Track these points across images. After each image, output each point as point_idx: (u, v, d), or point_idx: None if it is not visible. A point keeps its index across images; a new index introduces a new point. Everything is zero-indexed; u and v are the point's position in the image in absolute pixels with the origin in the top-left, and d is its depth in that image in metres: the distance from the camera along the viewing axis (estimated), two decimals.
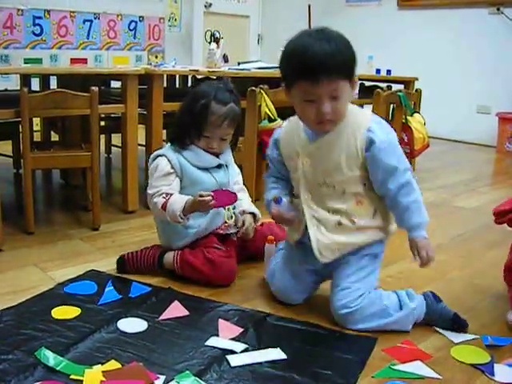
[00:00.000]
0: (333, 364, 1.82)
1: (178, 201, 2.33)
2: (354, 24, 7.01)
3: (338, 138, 2.01)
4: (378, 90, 4.26)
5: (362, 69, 4.70)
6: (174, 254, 2.48)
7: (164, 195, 2.36)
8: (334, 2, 7.88)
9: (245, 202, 2.64)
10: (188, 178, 2.48)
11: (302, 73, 1.90)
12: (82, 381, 1.67)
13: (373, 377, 1.78)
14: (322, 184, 2.07)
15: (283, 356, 1.86)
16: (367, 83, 5.13)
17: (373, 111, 3.83)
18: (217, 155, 2.55)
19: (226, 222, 2.55)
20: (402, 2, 7.30)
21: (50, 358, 1.77)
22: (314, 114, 1.93)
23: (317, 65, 1.86)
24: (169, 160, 2.46)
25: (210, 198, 2.26)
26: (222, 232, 2.54)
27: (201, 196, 2.26)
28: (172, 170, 2.45)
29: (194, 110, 2.44)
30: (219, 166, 2.57)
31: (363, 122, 2.02)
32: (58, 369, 1.72)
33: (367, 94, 4.62)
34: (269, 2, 8.68)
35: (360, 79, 4.85)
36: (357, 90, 3.77)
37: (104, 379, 1.68)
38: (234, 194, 2.39)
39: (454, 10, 6.90)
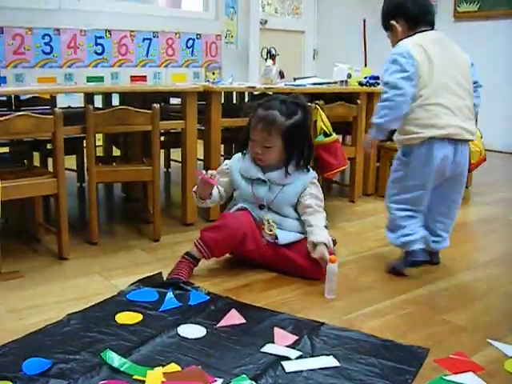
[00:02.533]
0: (385, 373, 1.87)
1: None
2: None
3: None
4: None
5: None
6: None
7: None
8: None
9: (316, 229, 2.67)
10: (234, 182, 2.82)
11: None
12: (144, 381, 1.77)
13: None
14: None
15: (336, 363, 1.91)
16: None
17: None
18: (271, 169, 2.71)
19: (263, 235, 2.70)
20: (458, 14, 7.28)
21: (114, 359, 1.88)
22: None
23: None
24: (227, 163, 2.86)
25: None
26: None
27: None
28: (227, 171, 2.84)
29: (250, 118, 2.76)
30: (264, 181, 2.70)
31: None
32: (121, 369, 1.83)
33: None
34: (324, 16, 8.70)
35: None
36: None
37: (164, 380, 1.77)
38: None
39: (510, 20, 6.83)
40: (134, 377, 1.79)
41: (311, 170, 2.83)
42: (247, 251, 2.71)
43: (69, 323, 2.16)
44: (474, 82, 2.78)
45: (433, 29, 2.78)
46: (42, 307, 2.35)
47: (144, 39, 7.18)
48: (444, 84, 2.62)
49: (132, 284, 2.54)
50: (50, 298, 2.45)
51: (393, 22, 2.81)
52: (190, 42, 7.56)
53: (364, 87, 4.29)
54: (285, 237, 2.70)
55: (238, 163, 2.83)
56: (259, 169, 2.74)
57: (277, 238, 2.70)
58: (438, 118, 2.59)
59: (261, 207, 2.74)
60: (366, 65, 6.26)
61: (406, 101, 2.60)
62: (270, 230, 2.69)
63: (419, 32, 2.73)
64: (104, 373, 1.81)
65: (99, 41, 6.85)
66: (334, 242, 2.91)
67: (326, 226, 2.71)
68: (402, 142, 2.73)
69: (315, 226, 2.67)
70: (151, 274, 2.65)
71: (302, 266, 2.67)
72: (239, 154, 2.86)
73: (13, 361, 1.88)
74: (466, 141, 2.68)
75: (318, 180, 2.86)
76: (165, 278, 2.61)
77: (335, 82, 4.43)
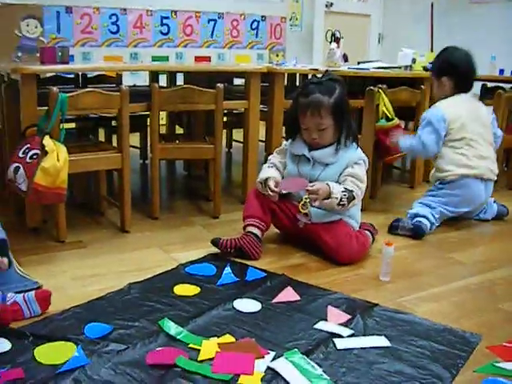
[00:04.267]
0: (435, 356, 1.88)
1: (264, 172, 2.82)
2: (477, 23, 6.85)
3: None
4: (500, 91, 4.16)
5: (485, 69, 4.62)
6: None
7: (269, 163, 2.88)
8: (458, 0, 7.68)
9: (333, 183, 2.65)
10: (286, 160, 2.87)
11: None
12: (199, 350, 1.84)
13: (474, 371, 1.82)
14: None
15: (387, 344, 1.93)
16: (489, 84, 5.00)
17: (493, 113, 3.77)
18: (318, 147, 2.74)
19: (299, 211, 2.70)
20: None
21: (171, 327, 1.96)
22: None
23: None
24: (286, 143, 2.90)
25: (274, 194, 2.69)
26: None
27: (270, 188, 2.70)
28: (285, 148, 2.90)
29: (291, 107, 2.84)
30: (308, 160, 2.73)
31: None
32: (178, 338, 1.91)
33: (488, 94, 4.53)
34: (391, 0, 8.58)
35: (482, 80, 4.77)
36: None
37: (219, 350, 1.83)
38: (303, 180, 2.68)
39: None
40: (189, 345, 1.86)
41: (360, 149, 2.82)
42: (283, 226, 2.88)
43: (129, 292, 2.26)
44: (495, 133, 3.42)
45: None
46: (104, 276, 2.45)
47: (209, 20, 7.24)
48: (471, 138, 3.22)
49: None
50: (112, 267, 2.55)
51: (444, 79, 3.31)
52: (255, 23, 7.59)
53: (428, 72, 4.24)
54: (318, 215, 2.71)
55: (289, 144, 2.88)
56: (306, 146, 2.77)
57: (311, 216, 2.72)
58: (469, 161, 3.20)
59: None
60: (432, 50, 6.17)
61: (428, 156, 3.54)
62: (303, 208, 2.70)
63: (457, 93, 3.29)
64: (161, 340, 1.89)
65: (165, 21, 6.94)
66: (375, 231, 2.98)
67: (346, 198, 2.63)
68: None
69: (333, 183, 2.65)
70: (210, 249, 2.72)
71: (329, 245, 2.68)
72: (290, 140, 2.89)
73: (75, 324, 1.98)
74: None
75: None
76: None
77: (399, 67, 4.39)
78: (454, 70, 3.27)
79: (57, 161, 2.56)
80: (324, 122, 2.67)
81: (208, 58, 7.28)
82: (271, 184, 2.70)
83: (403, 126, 3.60)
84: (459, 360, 1.87)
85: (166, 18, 6.95)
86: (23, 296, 2.05)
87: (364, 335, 1.99)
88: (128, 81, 4.57)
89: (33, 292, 2.08)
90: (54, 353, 1.80)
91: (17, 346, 1.84)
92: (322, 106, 2.64)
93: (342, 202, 2.58)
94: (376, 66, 4.32)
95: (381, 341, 1.95)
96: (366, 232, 2.86)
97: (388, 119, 3.53)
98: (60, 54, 3.26)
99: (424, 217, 3.15)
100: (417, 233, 3.09)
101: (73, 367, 1.71)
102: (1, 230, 2.16)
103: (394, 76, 4.09)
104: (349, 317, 2.11)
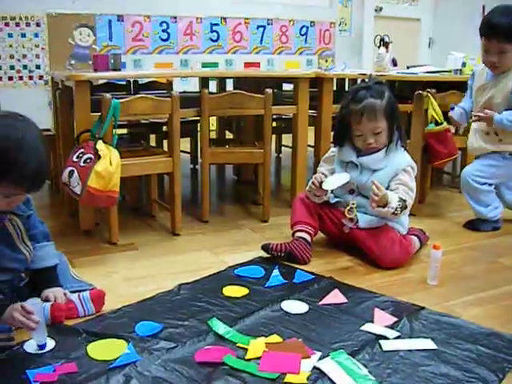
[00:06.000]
0: (482, 359, 1.87)
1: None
2: None
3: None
4: None
5: None
6: None
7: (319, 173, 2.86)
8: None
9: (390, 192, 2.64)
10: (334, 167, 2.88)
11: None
12: (246, 349, 1.87)
13: None
14: None
15: (434, 346, 1.93)
16: None
17: None
18: (366, 153, 2.75)
19: (345, 216, 2.73)
20: None
21: (220, 327, 2.00)
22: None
23: None
24: (334, 150, 2.90)
25: (320, 194, 2.77)
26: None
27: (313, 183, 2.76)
28: (333, 158, 2.90)
29: (340, 114, 2.83)
30: (356, 166, 2.76)
31: None
32: (226, 337, 1.95)
33: None
34: (441, 4, 8.46)
35: None
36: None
37: (266, 349, 1.87)
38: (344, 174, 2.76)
39: None
40: (237, 344, 1.90)
41: (407, 154, 2.83)
42: (329, 231, 2.91)
43: (179, 292, 2.32)
44: None
45: None
46: (155, 277, 2.52)
47: (258, 26, 7.30)
48: None
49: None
50: (162, 269, 2.62)
51: None
52: (304, 29, 7.62)
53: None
54: (366, 220, 2.72)
55: (337, 151, 2.89)
56: (354, 153, 2.79)
57: (357, 221, 2.73)
58: None
59: (351, 192, 2.79)
60: None
61: None
62: (349, 214, 2.71)
63: None
64: (210, 339, 1.94)
65: (214, 28, 7.03)
66: (426, 238, 2.98)
67: (400, 208, 2.61)
68: None
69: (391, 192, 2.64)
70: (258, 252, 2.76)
71: (372, 250, 2.69)
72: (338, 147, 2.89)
73: (127, 323, 2.05)
74: None
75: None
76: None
77: (449, 71, 4.36)
78: None
79: (110, 165, 2.64)
80: (380, 125, 2.68)
81: (257, 64, 7.34)
82: (315, 180, 2.76)
83: (452, 131, 3.56)
84: (506, 364, 1.85)
85: (216, 24, 7.04)
86: (78, 295, 2.12)
87: (410, 337, 2.00)
88: (178, 87, 4.64)
89: (88, 292, 2.15)
90: (105, 349, 1.86)
91: (70, 342, 1.90)
92: (376, 110, 2.66)
93: (395, 212, 2.59)
94: (425, 71, 4.30)
95: (427, 343, 1.95)
96: (412, 237, 2.86)
97: (437, 123, 3.51)
98: (112, 61, 3.35)
99: None
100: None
101: (124, 363, 1.77)
102: (54, 254, 2.21)
103: (444, 80, 4.07)
104: (395, 319, 2.12)
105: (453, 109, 3.38)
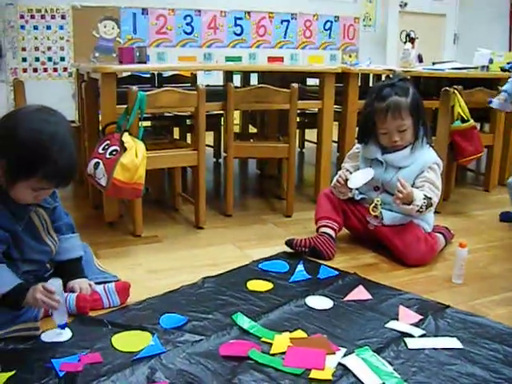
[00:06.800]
0: (509, 360, 1.83)
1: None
2: None
3: None
4: None
5: None
6: None
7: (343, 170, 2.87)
8: None
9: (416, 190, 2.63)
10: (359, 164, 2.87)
11: None
12: (271, 344, 1.87)
13: None
14: None
15: (459, 345, 1.91)
16: None
17: None
18: (392, 151, 2.73)
19: (370, 213, 2.72)
20: None
21: (244, 321, 2.00)
22: None
23: None
24: (359, 146, 2.90)
25: (345, 191, 2.75)
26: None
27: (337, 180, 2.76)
28: (358, 154, 2.89)
29: (365, 112, 2.81)
30: (381, 163, 2.74)
31: None
32: (251, 331, 1.94)
33: None
34: None
35: None
36: None
37: (291, 344, 1.86)
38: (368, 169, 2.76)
39: None
40: (262, 339, 1.90)
41: (433, 151, 2.81)
42: (353, 227, 2.89)
43: (203, 286, 2.32)
44: None
45: None
46: (179, 270, 2.52)
47: (282, 21, 7.29)
48: None
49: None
50: (186, 262, 2.62)
51: None
52: (328, 24, 7.59)
53: (506, 73, 4.16)
54: (391, 217, 2.71)
55: (362, 148, 2.87)
56: (379, 150, 2.77)
57: (382, 218, 2.72)
58: None
59: (375, 189, 2.77)
60: (510, 49, 6.03)
61: None
62: (374, 211, 2.70)
63: None
64: (234, 333, 1.94)
65: (238, 22, 7.03)
66: (451, 235, 2.96)
67: (425, 206, 2.58)
68: None
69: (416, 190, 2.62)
70: (282, 247, 2.76)
71: (397, 247, 2.68)
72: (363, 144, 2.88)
73: (151, 315, 2.05)
74: None
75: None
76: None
77: (476, 68, 4.32)
78: None
79: (135, 157, 2.64)
80: (405, 122, 2.66)
81: (281, 59, 7.33)
82: (340, 178, 2.74)
83: (479, 128, 3.52)
84: None
85: (240, 18, 7.04)
86: (104, 287, 2.13)
87: (435, 336, 1.98)
88: (201, 81, 4.65)
89: (113, 284, 2.16)
90: (130, 341, 1.87)
91: (95, 333, 1.91)
92: (401, 107, 2.64)
93: (420, 209, 2.57)
94: (451, 67, 4.27)
95: (453, 342, 1.93)
96: (437, 234, 2.84)
97: (463, 120, 3.48)
98: (138, 53, 3.35)
99: None
100: None
101: (149, 355, 1.77)
102: (79, 246, 2.23)
103: (470, 77, 4.03)
104: (420, 317, 2.10)
105: (490, 102, 3.29)
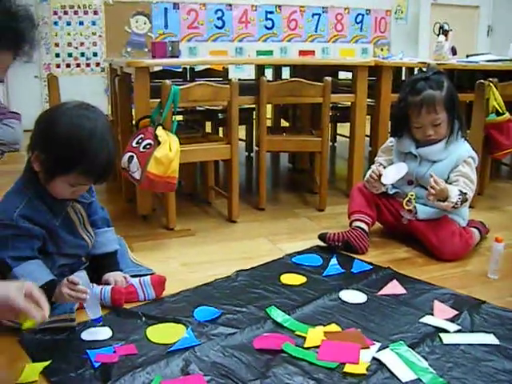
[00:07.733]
0: None
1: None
2: None
3: None
4: None
5: None
6: None
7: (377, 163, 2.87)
8: None
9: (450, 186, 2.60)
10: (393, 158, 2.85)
11: None
12: (305, 337, 1.86)
13: None
14: None
15: (496, 342, 1.89)
16: None
17: None
18: (426, 144, 2.70)
19: (403, 207, 2.69)
20: None
21: (278, 315, 2.00)
22: None
23: None
24: (392, 140, 2.87)
25: (378, 186, 2.74)
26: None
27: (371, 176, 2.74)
28: (392, 148, 2.87)
29: (398, 106, 2.76)
30: (415, 156, 2.72)
31: None
32: (285, 325, 1.94)
33: None
34: None
35: None
36: None
37: (325, 338, 1.86)
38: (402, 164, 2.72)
39: None
40: (295, 332, 1.89)
41: (468, 144, 2.77)
42: (386, 222, 2.87)
43: (237, 279, 2.33)
44: None
45: None
46: (212, 263, 2.53)
47: (313, 14, 7.27)
48: None
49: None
50: (219, 255, 2.63)
51: None
52: (359, 17, 7.55)
53: None
54: (425, 211, 2.68)
55: (395, 141, 2.85)
56: (413, 144, 2.75)
57: (416, 212, 2.69)
58: None
59: (409, 183, 2.75)
60: None
61: None
62: (407, 205, 2.68)
63: None
64: (268, 326, 1.94)
65: (269, 16, 7.02)
66: (486, 230, 2.92)
67: (460, 201, 2.56)
68: None
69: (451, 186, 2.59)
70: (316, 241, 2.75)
71: (432, 242, 2.65)
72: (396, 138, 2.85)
73: (185, 307, 2.07)
74: None
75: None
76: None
77: (511, 60, 4.26)
78: None
79: (169, 151, 2.65)
80: (439, 116, 2.63)
81: (312, 52, 7.31)
82: (373, 173, 2.73)
83: None
84: None
85: (271, 12, 7.03)
86: (139, 280, 2.15)
87: (471, 332, 1.95)
88: (232, 75, 4.66)
89: (149, 277, 2.17)
90: (164, 333, 1.88)
91: (130, 325, 1.93)
92: (435, 102, 2.61)
93: (456, 206, 2.54)
94: (486, 59, 4.21)
95: (489, 338, 1.91)
96: (472, 229, 2.80)
97: (498, 114, 3.43)
98: (170, 48, 3.37)
99: None
100: None
101: (183, 347, 1.78)
102: (114, 240, 2.25)
103: (505, 69, 3.97)
104: (456, 312, 2.08)
105: None
